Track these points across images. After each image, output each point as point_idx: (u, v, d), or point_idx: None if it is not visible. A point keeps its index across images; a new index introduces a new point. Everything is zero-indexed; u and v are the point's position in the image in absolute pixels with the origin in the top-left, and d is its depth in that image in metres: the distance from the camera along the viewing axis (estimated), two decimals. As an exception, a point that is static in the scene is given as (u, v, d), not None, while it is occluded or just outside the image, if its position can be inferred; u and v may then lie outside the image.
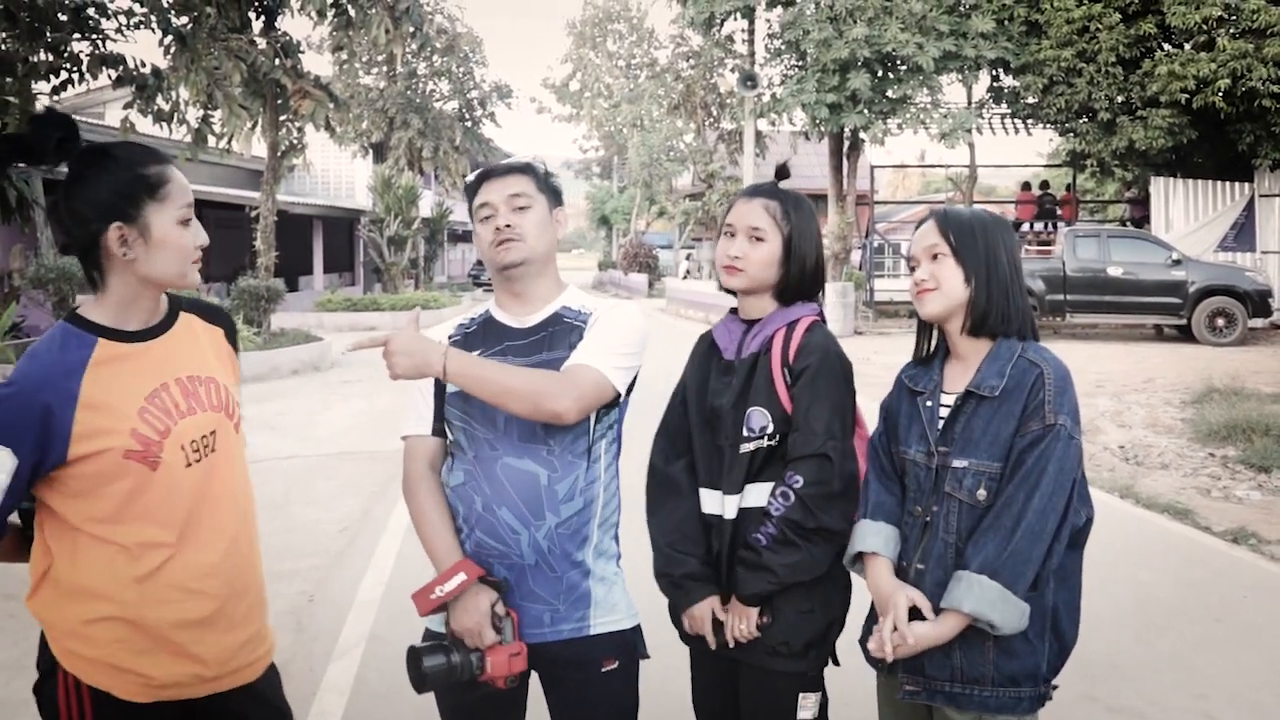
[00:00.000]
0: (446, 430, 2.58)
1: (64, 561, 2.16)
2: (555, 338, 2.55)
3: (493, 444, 2.48)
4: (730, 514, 2.64)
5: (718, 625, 2.63)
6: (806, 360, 2.59)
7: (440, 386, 2.53)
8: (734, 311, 2.81)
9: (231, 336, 2.50)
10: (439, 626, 2.51)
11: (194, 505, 2.23)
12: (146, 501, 2.17)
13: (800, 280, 2.70)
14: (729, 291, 2.78)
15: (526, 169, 2.60)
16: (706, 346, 2.82)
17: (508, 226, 2.51)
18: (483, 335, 2.60)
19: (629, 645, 2.58)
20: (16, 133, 2.19)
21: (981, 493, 2.35)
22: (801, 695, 2.60)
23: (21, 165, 2.22)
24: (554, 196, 2.63)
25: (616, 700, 2.57)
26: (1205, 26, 19.88)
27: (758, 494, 2.60)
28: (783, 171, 2.80)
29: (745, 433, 2.61)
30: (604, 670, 2.52)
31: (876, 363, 15.77)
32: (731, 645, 2.61)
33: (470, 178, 2.64)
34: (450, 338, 2.59)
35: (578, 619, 2.50)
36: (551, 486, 2.47)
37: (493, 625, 2.39)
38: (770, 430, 2.59)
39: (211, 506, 2.27)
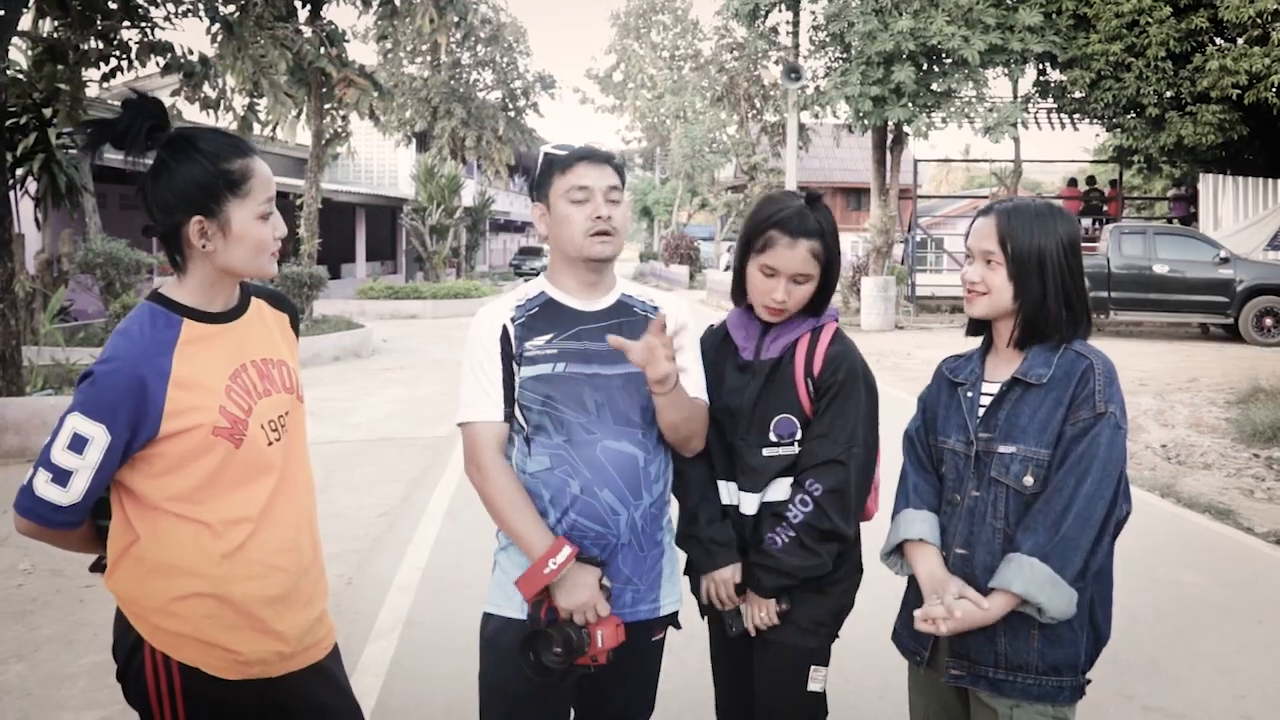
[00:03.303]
0: (518, 416, 2.56)
1: (149, 539, 2.19)
2: (632, 327, 2.58)
3: (588, 428, 2.50)
4: (750, 510, 2.72)
5: (735, 614, 2.73)
6: (836, 375, 2.66)
7: (509, 371, 2.54)
8: (748, 307, 2.81)
9: (295, 323, 2.55)
10: (511, 612, 2.54)
11: (279, 480, 2.30)
12: (229, 479, 2.21)
13: (827, 296, 2.73)
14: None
15: (615, 161, 2.62)
16: (720, 340, 2.84)
17: (609, 219, 2.54)
18: (548, 319, 2.58)
19: (674, 619, 2.72)
20: (108, 117, 2.21)
21: (1028, 479, 2.35)
22: (813, 668, 2.70)
23: (108, 150, 2.24)
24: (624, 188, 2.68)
25: (655, 664, 2.75)
26: (1260, 20, 19.54)
27: (778, 489, 2.69)
28: (815, 199, 2.71)
29: (773, 438, 2.67)
30: (653, 639, 2.68)
31: (917, 357, 15.71)
32: (753, 634, 2.72)
33: (555, 149, 2.60)
34: (514, 320, 2.57)
35: (652, 600, 2.61)
36: (646, 468, 2.55)
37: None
38: (798, 436, 2.67)
39: (288, 484, 2.33)
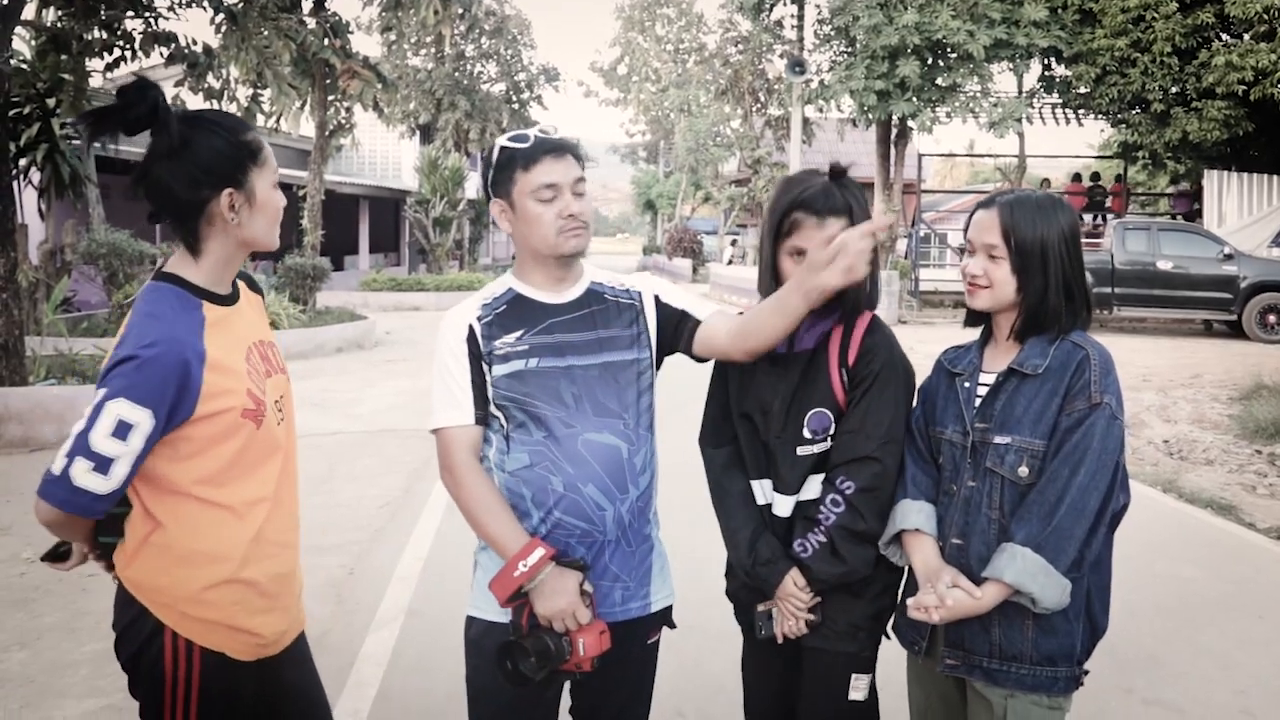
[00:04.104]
0: (496, 415, 2.49)
1: (174, 528, 2.17)
2: (605, 315, 2.53)
3: (566, 421, 2.43)
4: (784, 512, 2.62)
5: (766, 617, 2.64)
6: (870, 366, 2.54)
7: (479, 372, 2.48)
8: None
9: (264, 304, 2.58)
10: (493, 615, 2.48)
11: (285, 460, 2.34)
12: (249, 459, 2.22)
13: (866, 285, 2.55)
14: None
15: (574, 149, 2.53)
16: None
17: (580, 214, 2.47)
18: (517, 315, 2.51)
19: (668, 618, 2.65)
20: (108, 105, 2.20)
21: (1023, 470, 2.35)
22: (854, 676, 2.60)
23: (105, 136, 2.22)
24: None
25: (651, 667, 2.67)
26: (1266, 16, 19.52)
27: (811, 487, 2.59)
28: (840, 172, 2.57)
29: (807, 434, 2.57)
30: (649, 642, 2.61)
31: (920, 352, 15.65)
32: (780, 641, 2.63)
33: (513, 142, 2.48)
34: (480, 319, 2.51)
35: (643, 596, 2.54)
36: (631, 459, 2.47)
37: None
38: (832, 431, 2.57)
39: (289, 462, 2.37)
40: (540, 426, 2.43)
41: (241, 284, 2.43)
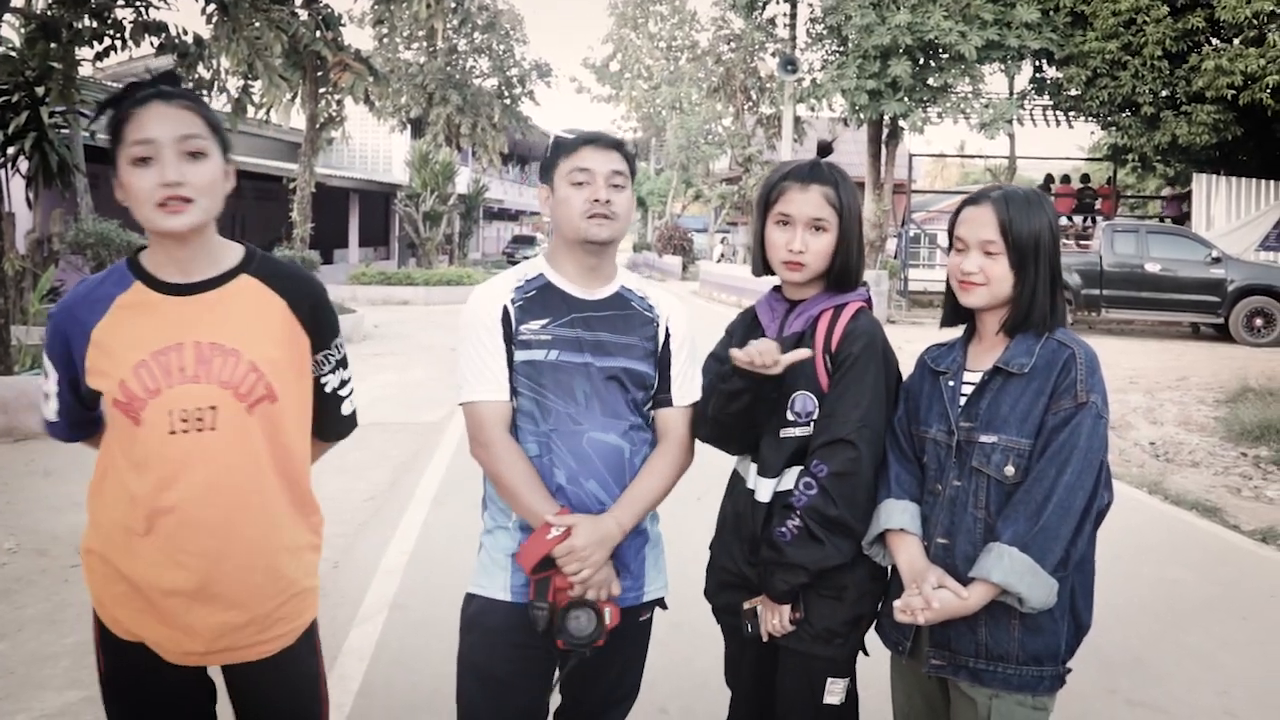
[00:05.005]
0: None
1: (96, 483, 2.24)
2: (626, 322, 2.57)
3: (575, 418, 2.47)
4: (764, 496, 2.62)
5: (753, 614, 2.64)
6: (850, 348, 2.55)
7: (510, 353, 2.51)
8: (777, 289, 2.76)
9: (299, 309, 2.30)
10: (494, 593, 2.52)
11: (177, 475, 2.12)
12: (138, 454, 2.14)
13: (851, 262, 2.62)
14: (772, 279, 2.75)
15: (623, 147, 2.60)
16: (749, 321, 2.78)
17: (608, 202, 2.51)
18: (544, 303, 2.54)
19: (660, 601, 2.70)
20: (142, 81, 2.19)
21: (1009, 469, 2.35)
22: (830, 680, 2.59)
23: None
24: (633, 178, 2.63)
25: (642, 648, 2.72)
26: (1256, 21, 19.56)
27: (791, 477, 2.58)
28: (826, 149, 2.73)
29: (790, 416, 2.58)
30: (640, 620, 2.65)
31: (908, 351, 15.62)
32: (766, 639, 2.63)
33: (566, 133, 2.59)
34: (514, 302, 2.53)
35: (636, 589, 2.59)
36: (632, 460, 2.52)
37: None
38: (816, 416, 2.57)
39: (202, 485, 2.13)
40: (547, 419, 2.49)
41: (259, 281, 2.25)
